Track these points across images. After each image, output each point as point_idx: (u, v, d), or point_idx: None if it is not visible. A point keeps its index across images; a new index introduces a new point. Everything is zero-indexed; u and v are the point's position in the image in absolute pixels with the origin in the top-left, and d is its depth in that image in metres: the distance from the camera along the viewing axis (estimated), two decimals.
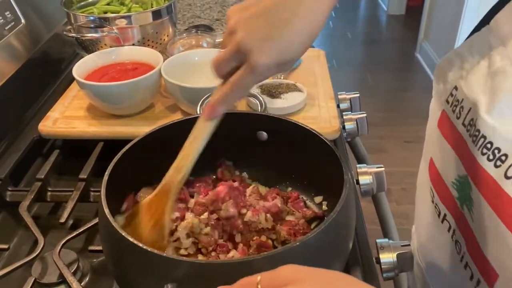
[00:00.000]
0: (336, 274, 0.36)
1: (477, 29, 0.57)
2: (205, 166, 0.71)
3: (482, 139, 0.50)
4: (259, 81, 0.53)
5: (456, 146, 0.57)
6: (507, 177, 0.46)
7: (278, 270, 0.36)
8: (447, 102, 0.60)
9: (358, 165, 0.79)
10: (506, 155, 0.46)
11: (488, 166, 0.48)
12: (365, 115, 0.96)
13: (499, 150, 0.47)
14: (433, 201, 0.65)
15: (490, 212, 0.48)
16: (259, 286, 0.36)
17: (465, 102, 0.55)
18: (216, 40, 1.12)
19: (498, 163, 0.47)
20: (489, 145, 0.49)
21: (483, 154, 0.49)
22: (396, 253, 0.67)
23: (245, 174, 0.74)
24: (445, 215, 0.61)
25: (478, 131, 0.51)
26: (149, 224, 0.56)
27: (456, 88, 0.58)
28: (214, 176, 0.72)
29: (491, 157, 0.48)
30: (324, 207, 0.68)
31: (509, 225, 0.45)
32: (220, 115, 0.55)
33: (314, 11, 0.48)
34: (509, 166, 0.46)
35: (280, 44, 0.48)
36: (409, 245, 0.71)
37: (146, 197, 0.61)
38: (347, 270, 0.62)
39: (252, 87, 0.53)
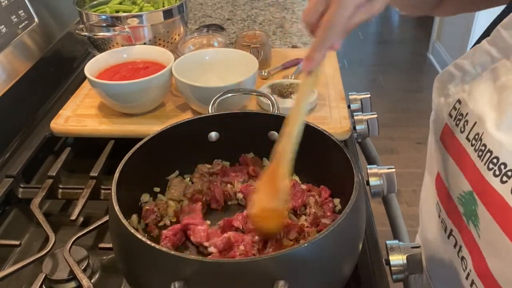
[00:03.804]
0: None
1: (478, 41, 0.56)
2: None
3: (488, 154, 0.49)
4: (349, 19, 0.51)
5: (460, 160, 0.56)
6: None
7: None
8: (450, 116, 0.59)
9: (368, 166, 0.78)
10: None
11: (494, 182, 0.47)
12: (376, 116, 0.96)
13: (505, 165, 0.47)
14: (439, 216, 0.64)
15: (497, 228, 0.47)
16: None
17: (469, 116, 0.54)
18: (228, 41, 1.12)
19: (505, 178, 0.46)
20: (495, 160, 0.48)
21: (489, 169, 0.48)
22: (406, 255, 0.67)
23: None
24: (451, 230, 0.60)
25: (484, 145, 0.50)
26: (267, 194, 0.57)
27: (459, 101, 0.57)
28: (246, 170, 0.72)
29: (497, 172, 0.47)
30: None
31: None
32: (319, 65, 0.54)
33: None
34: None
35: None
36: (419, 247, 0.70)
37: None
38: (356, 271, 0.61)
39: (342, 26, 0.51)
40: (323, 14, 0.51)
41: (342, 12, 0.50)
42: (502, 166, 0.47)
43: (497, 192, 0.47)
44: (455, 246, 0.59)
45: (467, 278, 0.54)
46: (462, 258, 0.56)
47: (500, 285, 0.47)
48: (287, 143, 0.56)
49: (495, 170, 0.48)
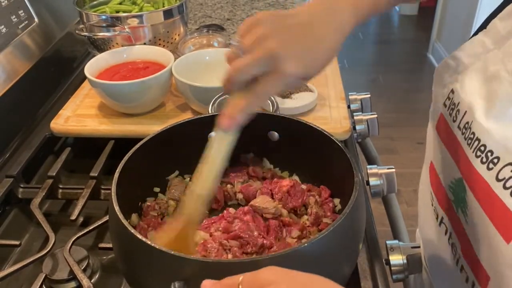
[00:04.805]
0: (314, 277, 0.37)
1: (475, 34, 0.57)
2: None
3: (476, 142, 0.50)
4: (281, 91, 0.53)
5: (452, 149, 0.58)
6: (498, 180, 0.46)
7: (259, 272, 0.37)
8: (445, 105, 0.60)
9: (368, 166, 0.79)
10: (498, 158, 0.47)
11: (481, 169, 0.49)
12: (376, 116, 0.96)
13: (491, 153, 0.48)
14: (432, 204, 0.65)
15: (482, 214, 0.48)
16: (240, 287, 0.37)
17: (461, 106, 0.55)
18: (228, 41, 1.12)
19: (491, 165, 0.48)
20: (482, 148, 0.49)
21: (477, 156, 0.50)
22: (406, 255, 0.67)
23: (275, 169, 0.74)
24: (442, 218, 0.62)
25: (473, 134, 0.51)
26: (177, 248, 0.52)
27: (452, 91, 0.58)
28: (246, 170, 0.72)
29: (484, 159, 0.49)
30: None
31: (499, 227, 0.46)
32: (239, 127, 0.52)
33: (340, 30, 0.52)
34: (500, 169, 0.46)
35: (312, 58, 0.51)
36: (419, 247, 0.70)
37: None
38: (356, 272, 0.61)
39: (276, 94, 0.53)
40: (256, 77, 0.50)
41: (278, 88, 0.51)
42: (489, 154, 0.48)
43: (483, 179, 0.48)
44: (446, 233, 0.60)
45: (457, 263, 0.56)
46: (452, 244, 0.57)
47: (485, 269, 0.49)
48: (196, 205, 0.53)
49: (482, 158, 0.49)
